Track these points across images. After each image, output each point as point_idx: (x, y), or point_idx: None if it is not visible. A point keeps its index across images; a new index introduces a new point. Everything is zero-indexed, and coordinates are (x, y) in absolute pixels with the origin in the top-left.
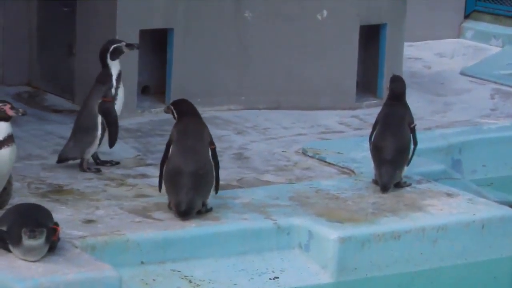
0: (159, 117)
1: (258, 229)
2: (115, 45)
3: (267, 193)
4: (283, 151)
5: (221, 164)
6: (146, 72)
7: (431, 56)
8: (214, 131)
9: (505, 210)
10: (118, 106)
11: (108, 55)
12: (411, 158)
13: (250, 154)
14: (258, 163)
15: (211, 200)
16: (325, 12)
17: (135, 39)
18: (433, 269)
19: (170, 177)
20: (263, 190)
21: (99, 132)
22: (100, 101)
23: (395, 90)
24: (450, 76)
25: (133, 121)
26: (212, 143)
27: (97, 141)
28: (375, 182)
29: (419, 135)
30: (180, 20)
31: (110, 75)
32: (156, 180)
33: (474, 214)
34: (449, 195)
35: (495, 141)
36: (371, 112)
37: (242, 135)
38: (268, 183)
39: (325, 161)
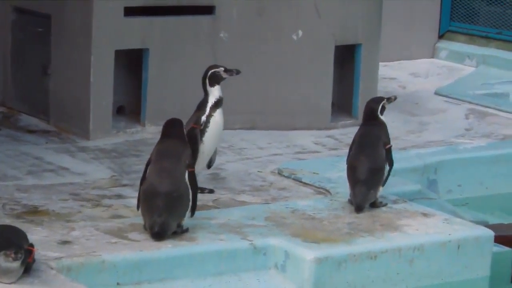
0: (134, 137)
1: (234, 250)
2: (212, 71)
3: (243, 213)
4: (259, 171)
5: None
6: (121, 92)
7: (406, 76)
8: None
9: (480, 230)
10: (210, 133)
11: (207, 81)
12: (386, 179)
13: (226, 174)
14: (234, 183)
15: (187, 220)
16: (300, 32)
17: (110, 59)
18: None
19: (144, 198)
20: (239, 210)
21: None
22: (190, 127)
23: (368, 109)
24: (425, 96)
25: (108, 141)
26: (191, 166)
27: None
28: (351, 202)
29: (394, 155)
30: (155, 40)
31: (206, 102)
32: (132, 201)
33: (450, 234)
34: (425, 215)
35: (470, 161)
36: (346, 132)
37: (218, 155)
38: (244, 203)
39: (301, 181)
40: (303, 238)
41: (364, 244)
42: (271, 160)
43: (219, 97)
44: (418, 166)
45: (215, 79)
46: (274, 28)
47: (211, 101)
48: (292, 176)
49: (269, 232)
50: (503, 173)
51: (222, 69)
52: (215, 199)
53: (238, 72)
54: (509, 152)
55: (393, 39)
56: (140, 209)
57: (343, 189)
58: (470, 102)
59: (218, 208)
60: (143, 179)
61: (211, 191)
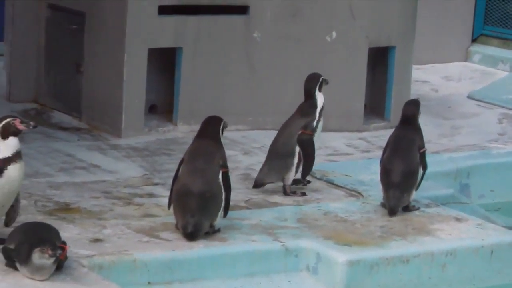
0: (166, 136)
1: (266, 251)
2: (323, 77)
3: (275, 214)
4: None
5: None
6: (153, 90)
7: (438, 80)
8: None
9: None
10: (316, 138)
11: (318, 86)
12: (420, 183)
13: None
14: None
15: (219, 221)
16: (334, 34)
17: (143, 57)
18: None
19: (177, 198)
20: (271, 211)
21: (295, 161)
22: (300, 132)
23: (407, 113)
24: (457, 100)
25: (140, 139)
26: (224, 166)
27: (293, 169)
28: (383, 205)
29: (427, 159)
30: (189, 39)
31: (315, 107)
32: (164, 200)
33: (483, 240)
34: (458, 219)
35: (503, 166)
36: (378, 134)
37: (249, 155)
38: (276, 204)
39: (333, 183)
40: (335, 241)
41: (396, 248)
42: None
43: (323, 103)
44: (451, 170)
45: (323, 85)
46: (308, 29)
47: (319, 106)
48: (325, 178)
49: (301, 234)
50: None
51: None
52: (247, 200)
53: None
54: None
55: (426, 42)
56: (172, 209)
57: (376, 192)
58: (503, 107)
59: (250, 208)
60: (175, 178)
61: (303, 194)
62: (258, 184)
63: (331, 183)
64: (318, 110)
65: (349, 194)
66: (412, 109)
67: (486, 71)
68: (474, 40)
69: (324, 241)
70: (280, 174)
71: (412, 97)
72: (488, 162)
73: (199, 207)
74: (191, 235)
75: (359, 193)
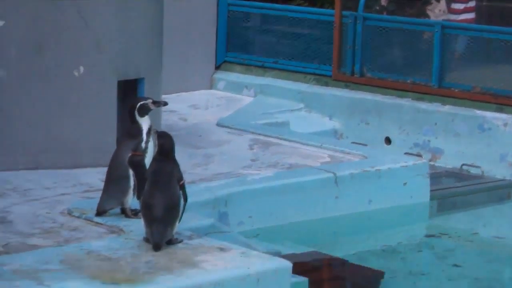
0: None
1: None
2: (141, 103)
3: (36, 257)
4: (47, 213)
5: None
6: None
7: (186, 108)
8: None
9: (278, 262)
10: (148, 159)
11: (136, 112)
12: (182, 214)
13: (13, 217)
14: (22, 227)
15: None
16: (81, 69)
17: None
18: None
19: None
20: (31, 254)
21: (132, 183)
22: (130, 154)
23: (164, 146)
24: (207, 128)
25: None
26: None
27: (130, 191)
28: (147, 240)
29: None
30: None
31: (141, 130)
32: None
33: (248, 268)
34: (221, 249)
35: (259, 191)
36: None
37: (2, 198)
38: (36, 247)
39: (92, 221)
40: (102, 280)
41: (164, 283)
42: (59, 200)
43: (150, 125)
44: (209, 199)
45: (144, 110)
46: (55, 64)
47: (145, 128)
48: (83, 216)
49: (67, 276)
50: (292, 203)
51: (150, 101)
52: (5, 244)
53: (165, 103)
54: (297, 181)
55: (171, 72)
56: None
57: (137, 226)
58: (252, 132)
59: (9, 253)
60: None
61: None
62: (100, 212)
63: (90, 220)
64: (144, 132)
65: (110, 230)
66: (168, 141)
67: (232, 98)
68: (217, 67)
69: (91, 282)
70: (119, 199)
71: (162, 128)
72: (244, 189)
73: None
74: None
75: (120, 229)
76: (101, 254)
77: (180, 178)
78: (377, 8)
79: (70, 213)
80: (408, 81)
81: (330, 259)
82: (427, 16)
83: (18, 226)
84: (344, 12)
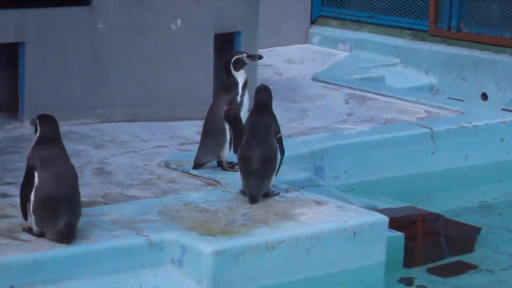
0: (13, 133)
1: (130, 246)
2: (236, 57)
3: (135, 208)
4: (145, 164)
5: (82, 180)
6: None
7: (281, 63)
8: (70, 146)
9: (375, 216)
10: (244, 113)
11: (231, 66)
12: (279, 168)
13: (112, 168)
14: (121, 178)
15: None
16: (179, 22)
17: None
18: (307, 278)
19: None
20: (130, 205)
21: (228, 137)
22: (226, 108)
23: (261, 100)
24: (302, 82)
25: None
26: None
27: (226, 145)
28: (243, 192)
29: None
30: (31, 33)
31: (236, 84)
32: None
33: (345, 221)
34: (318, 203)
35: (354, 146)
36: None
37: (101, 149)
38: (134, 198)
39: (189, 173)
40: (199, 232)
41: (261, 235)
42: (156, 152)
43: (246, 79)
44: (305, 153)
45: (240, 64)
46: (153, 17)
47: (241, 82)
48: (180, 168)
49: (164, 227)
50: (387, 158)
51: (245, 55)
52: (104, 195)
53: (260, 57)
54: (392, 136)
55: (266, 26)
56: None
57: (233, 179)
58: (348, 87)
59: (108, 203)
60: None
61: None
62: (197, 165)
63: (187, 172)
64: (240, 85)
65: (206, 183)
66: (265, 95)
67: (327, 52)
68: (313, 22)
69: (188, 233)
70: (216, 152)
71: (258, 81)
72: (340, 143)
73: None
74: (68, 237)
75: (217, 181)
76: (198, 206)
77: (278, 131)
78: None
79: (167, 165)
80: (506, 36)
81: (426, 214)
82: None
83: (116, 177)
84: None
